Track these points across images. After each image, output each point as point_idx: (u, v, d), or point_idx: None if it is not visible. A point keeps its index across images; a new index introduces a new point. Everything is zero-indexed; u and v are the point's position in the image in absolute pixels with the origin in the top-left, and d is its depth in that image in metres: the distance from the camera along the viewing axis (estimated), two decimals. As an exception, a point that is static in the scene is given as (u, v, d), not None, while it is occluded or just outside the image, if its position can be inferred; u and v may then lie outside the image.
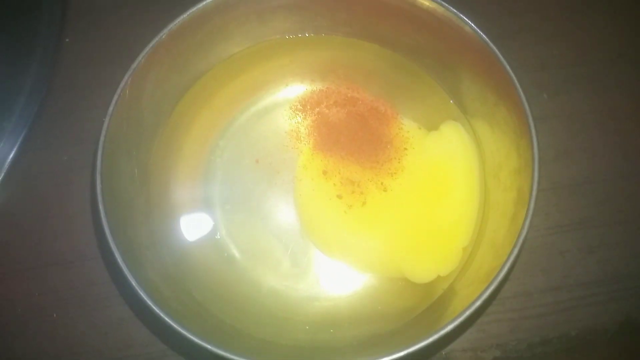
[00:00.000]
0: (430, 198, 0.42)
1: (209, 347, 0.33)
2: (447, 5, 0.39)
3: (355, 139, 0.44)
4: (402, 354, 0.32)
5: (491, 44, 0.37)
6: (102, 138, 0.37)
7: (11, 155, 0.47)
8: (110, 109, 0.37)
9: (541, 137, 0.45)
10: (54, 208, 0.45)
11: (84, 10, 0.51)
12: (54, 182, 0.46)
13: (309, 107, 0.45)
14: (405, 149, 0.43)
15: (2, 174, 0.47)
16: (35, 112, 0.48)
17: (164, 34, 0.39)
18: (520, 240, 0.33)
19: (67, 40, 0.51)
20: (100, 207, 0.35)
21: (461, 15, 0.39)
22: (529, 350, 0.41)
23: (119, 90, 0.38)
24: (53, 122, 0.48)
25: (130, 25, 0.50)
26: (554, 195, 0.45)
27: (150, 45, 0.39)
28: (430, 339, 0.32)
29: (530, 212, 0.34)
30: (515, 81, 0.37)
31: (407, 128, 0.44)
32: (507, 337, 0.42)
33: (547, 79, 0.49)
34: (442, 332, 0.32)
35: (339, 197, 0.41)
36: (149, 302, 0.34)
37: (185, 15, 0.40)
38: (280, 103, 0.45)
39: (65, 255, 0.44)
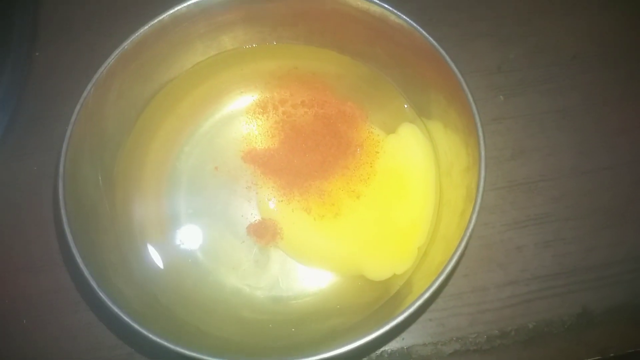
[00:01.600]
0: (389, 200, 0.43)
1: (172, 347, 0.34)
2: (398, 12, 0.41)
3: (323, 143, 0.45)
4: (358, 343, 0.33)
5: (438, 47, 0.39)
6: (64, 146, 0.38)
7: (-18, 163, 0.48)
8: (73, 117, 0.39)
9: (497, 137, 0.47)
10: (23, 215, 0.46)
11: (54, 23, 0.53)
12: (23, 191, 0.47)
13: (271, 109, 0.46)
14: (377, 152, 0.44)
15: (-27, 183, 0.47)
16: (6, 123, 0.49)
17: (126, 44, 0.41)
18: (467, 234, 0.35)
19: (37, 53, 0.52)
20: (63, 212, 0.36)
21: (411, 22, 0.40)
22: (488, 342, 0.43)
23: (81, 100, 0.39)
24: (23, 133, 0.49)
25: (99, 37, 0.51)
26: (509, 193, 0.46)
27: (113, 55, 0.40)
28: (383, 329, 0.33)
29: (477, 206, 0.35)
30: (463, 82, 0.38)
31: (370, 131, 0.45)
32: (467, 330, 0.43)
33: (503, 82, 0.50)
34: (394, 322, 0.33)
35: (306, 210, 0.42)
36: (113, 307, 0.34)
37: (146, 27, 0.41)
38: (245, 109, 0.46)
39: (35, 262, 0.45)
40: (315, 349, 0.34)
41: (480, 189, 0.35)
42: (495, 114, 0.49)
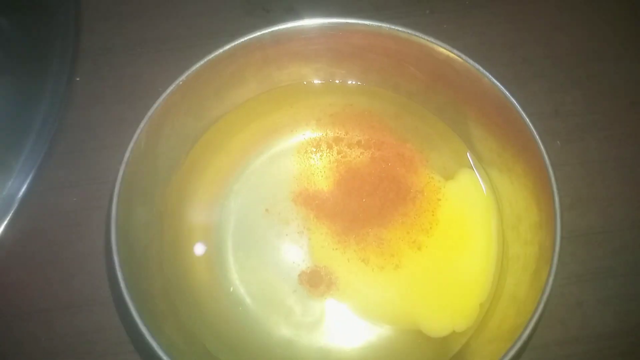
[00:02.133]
0: (450, 251, 0.41)
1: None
2: (463, 55, 0.39)
3: (382, 188, 0.43)
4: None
5: (508, 95, 0.38)
6: (117, 185, 0.36)
7: (20, 194, 0.46)
8: (126, 155, 0.37)
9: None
10: (63, 250, 0.44)
11: (95, 49, 0.51)
12: (63, 223, 0.45)
13: (325, 148, 0.44)
14: (439, 199, 0.42)
15: (11, 213, 0.46)
16: (45, 151, 0.48)
17: (181, 80, 0.39)
18: (544, 298, 0.33)
19: (77, 79, 0.50)
20: (115, 257, 0.34)
21: (478, 67, 0.39)
22: (549, 404, 0.41)
23: (135, 137, 0.37)
24: (63, 162, 0.47)
25: (141, 65, 0.50)
26: (569, 245, 0.45)
27: (168, 91, 0.39)
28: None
29: (554, 269, 0.33)
30: (534, 132, 0.37)
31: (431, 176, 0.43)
32: (526, 390, 0.41)
33: (560, 126, 0.49)
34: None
35: (364, 261, 0.40)
36: (164, 356, 0.33)
37: (203, 62, 0.39)
38: (297, 147, 0.44)
39: (74, 299, 0.43)
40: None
41: (557, 250, 0.34)
42: (552, 161, 0.46)
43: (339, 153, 0.44)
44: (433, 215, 0.42)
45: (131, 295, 0.34)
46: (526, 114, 0.46)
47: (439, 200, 0.42)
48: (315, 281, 0.40)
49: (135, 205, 0.38)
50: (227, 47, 0.40)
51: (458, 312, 0.39)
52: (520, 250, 0.39)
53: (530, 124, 0.37)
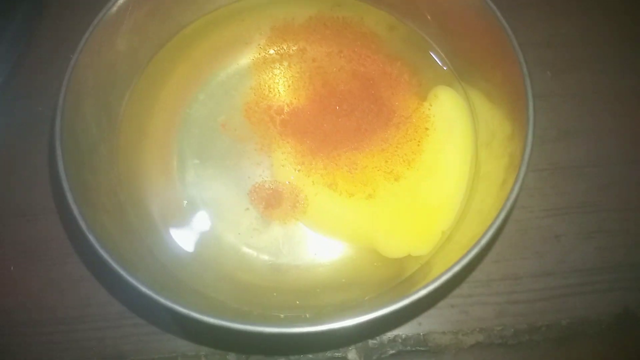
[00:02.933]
0: (424, 180, 0.38)
1: (164, 301, 0.30)
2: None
3: (361, 109, 0.40)
4: (365, 318, 0.28)
5: (493, 6, 0.35)
6: (67, 75, 0.34)
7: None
8: (80, 45, 0.35)
9: (542, 116, 0.43)
10: (20, 157, 0.43)
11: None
12: (23, 131, 0.44)
13: (301, 57, 0.41)
14: (426, 129, 0.39)
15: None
16: (14, 60, 0.46)
17: (142, -26, 0.37)
18: (508, 204, 0.30)
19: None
20: (57, 144, 0.33)
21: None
22: (515, 337, 0.38)
23: (90, 28, 0.35)
24: (31, 72, 0.46)
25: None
26: (552, 177, 0.42)
27: (128, -14, 0.37)
28: (394, 306, 0.29)
29: (522, 174, 0.31)
30: (513, 38, 0.34)
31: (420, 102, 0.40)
32: (492, 321, 0.38)
33: (552, 57, 0.46)
34: (408, 300, 0.29)
35: (331, 186, 0.38)
36: (103, 253, 0.31)
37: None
38: (270, 57, 0.42)
39: (28, 207, 0.42)
40: (320, 321, 0.30)
41: (527, 156, 0.31)
42: (540, 91, 0.44)
43: (314, 62, 0.41)
44: (418, 145, 0.39)
45: (70, 184, 0.32)
46: (518, 42, 0.44)
47: (427, 129, 0.39)
48: (271, 201, 0.38)
49: (87, 99, 0.36)
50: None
51: (418, 237, 0.37)
52: (490, 167, 0.36)
53: (510, 31, 0.34)
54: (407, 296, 0.29)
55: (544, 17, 0.47)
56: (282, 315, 0.35)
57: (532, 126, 0.31)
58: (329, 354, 0.38)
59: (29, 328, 0.39)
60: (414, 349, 0.38)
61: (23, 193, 0.42)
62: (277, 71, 0.41)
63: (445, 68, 0.41)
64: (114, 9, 0.36)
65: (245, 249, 0.37)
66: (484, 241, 0.30)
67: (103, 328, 0.39)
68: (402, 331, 0.38)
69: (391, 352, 0.38)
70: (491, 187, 0.34)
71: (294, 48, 0.42)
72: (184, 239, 0.37)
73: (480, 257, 0.34)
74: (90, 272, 0.40)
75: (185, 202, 0.38)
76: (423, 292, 0.29)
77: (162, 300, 0.29)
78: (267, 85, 0.41)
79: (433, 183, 0.38)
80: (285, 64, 0.41)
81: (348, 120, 0.40)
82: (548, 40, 0.46)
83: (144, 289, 0.30)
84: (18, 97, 0.45)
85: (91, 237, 0.31)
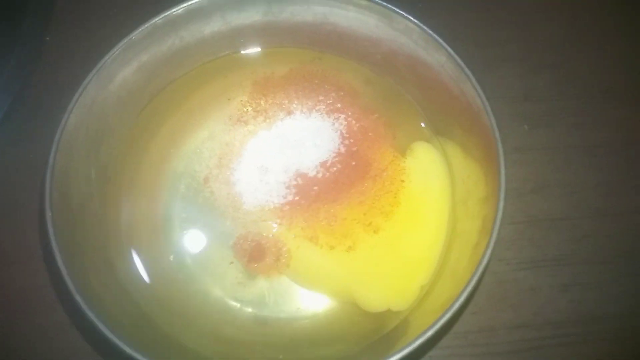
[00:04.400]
0: (402, 233, 0.39)
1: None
2: (424, 27, 0.38)
3: (337, 162, 0.41)
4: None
5: (464, 66, 0.36)
6: (58, 133, 0.36)
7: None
8: (71, 105, 0.36)
9: (519, 169, 0.45)
10: (10, 204, 0.44)
11: (68, 9, 0.51)
12: (14, 179, 0.45)
13: (278, 115, 0.43)
14: (402, 180, 0.40)
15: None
16: (7, 107, 0.47)
17: (134, 35, 0.38)
18: (480, 269, 0.32)
19: (47, 38, 0.50)
20: (47, 203, 0.34)
21: (437, 38, 0.38)
22: (491, 389, 0.39)
23: (81, 88, 0.37)
24: (24, 119, 0.47)
25: (116, 27, 0.49)
26: (528, 229, 0.43)
27: (119, 45, 0.38)
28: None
29: (492, 240, 0.32)
30: (487, 105, 0.35)
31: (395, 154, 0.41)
32: (469, 374, 0.39)
33: (529, 111, 0.47)
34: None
35: (312, 239, 0.39)
36: (88, 312, 0.32)
37: (157, 19, 0.39)
38: (251, 112, 0.43)
39: (15, 255, 0.42)
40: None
41: (498, 222, 0.32)
42: (518, 144, 0.46)
43: (291, 116, 0.43)
44: (395, 197, 0.40)
45: (58, 241, 0.33)
46: (494, 97, 0.45)
47: (403, 181, 0.41)
48: (254, 254, 0.39)
49: (77, 156, 0.37)
50: (183, 5, 0.39)
51: (397, 292, 0.38)
52: (466, 226, 0.37)
53: (482, 95, 0.36)
54: (392, 355, 0.30)
55: (521, 71, 0.48)
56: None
57: (503, 194, 0.33)
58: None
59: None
60: (392, 400, 0.39)
61: (10, 240, 0.43)
62: (252, 127, 0.42)
63: (422, 124, 0.42)
64: (104, 68, 0.38)
65: (230, 302, 0.38)
66: (456, 305, 0.31)
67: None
68: (382, 382, 0.39)
69: (370, 403, 0.39)
70: (465, 247, 0.36)
71: (271, 102, 0.43)
72: (171, 293, 0.38)
73: (456, 317, 0.35)
74: (75, 322, 0.40)
75: (172, 256, 0.39)
76: (400, 355, 0.30)
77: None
78: (244, 141, 0.42)
79: (412, 236, 0.39)
80: (261, 119, 0.42)
81: (325, 173, 0.41)
82: (525, 94, 0.48)
83: (128, 350, 0.31)
84: (9, 143, 0.46)
85: (78, 298, 0.32)
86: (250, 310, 0.38)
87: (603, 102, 0.48)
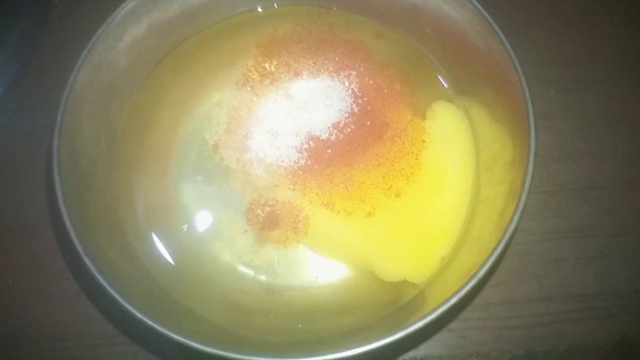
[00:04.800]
0: (424, 200, 0.37)
1: (155, 326, 0.30)
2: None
3: (351, 123, 0.39)
4: (367, 348, 0.28)
5: (493, 23, 0.34)
6: (65, 92, 0.34)
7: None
8: (79, 63, 0.35)
9: (545, 136, 0.43)
10: (21, 171, 0.43)
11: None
12: (23, 144, 0.44)
13: (291, 74, 0.41)
14: (424, 141, 0.38)
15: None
16: (15, 71, 0.46)
17: (141, -7, 0.37)
18: (507, 235, 0.30)
19: (57, 0, 0.48)
20: (55, 164, 0.32)
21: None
22: (512, 363, 0.38)
23: (89, 45, 0.35)
24: (33, 84, 0.46)
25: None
26: (553, 199, 0.41)
27: (127, 3, 0.36)
28: (398, 335, 0.28)
29: (522, 204, 0.30)
30: (517, 63, 0.33)
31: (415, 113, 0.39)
32: (490, 346, 0.38)
33: (556, 76, 0.45)
34: (411, 329, 0.28)
35: (328, 205, 0.37)
36: (98, 277, 0.30)
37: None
38: (260, 74, 0.41)
39: (26, 221, 0.41)
40: (316, 351, 0.29)
41: (527, 185, 0.31)
42: (544, 110, 0.44)
43: (299, 77, 0.41)
44: (416, 159, 0.38)
45: (67, 204, 0.31)
46: (520, 60, 0.43)
47: (424, 142, 0.39)
48: (268, 222, 0.38)
49: (86, 117, 0.36)
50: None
51: (416, 263, 0.36)
52: (491, 191, 0.36)
53: (513, 53, 0.34)
54: (404, 328, 0.29)
55: (548, 35, 0.46)
56: (279, 339, 0.35)
57: (533, 157, 0.31)
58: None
59: (27, 344, 0.39)
60: (410, 372, 0.38)
61: (21, 206, 0.42)
62: (259, 91, 0.41)
63: (444, 82, 0.40)
64: (113, 25, 0.36)
65: (244, 270, 0.37)
66: (481, 273, 0.29)
67: (100, 345, 0.38)
68: (398, 354, 0.38)
69: (387, 375, 0.38)
70: (491, 213, 0.34)
71: (276, 63, 0.41)
72: (181, 259, 0.37)
73: (478, 287, 0.34)
74: (87, 289, 0.39)
75: (185, 226, 0.38)
76: (419, 325, 0.29)
77: (156, 326, 0.29)
78: (252, 106, 0.40)
79: (434, 201, 0.38)
80: (267, 82, 0.41)
81: (339, 135, 0.39)
82: (553, 59, 0.46)
83: (138, 315, 0.29)
84: (19, 108, 0.45)
85: (87, 261, 0.30)
86: (263, 278, 0.37)
87: (633, 68, 0.46)
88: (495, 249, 0.30)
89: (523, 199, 0.30)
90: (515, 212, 0.30)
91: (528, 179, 0.31)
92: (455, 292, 0.29)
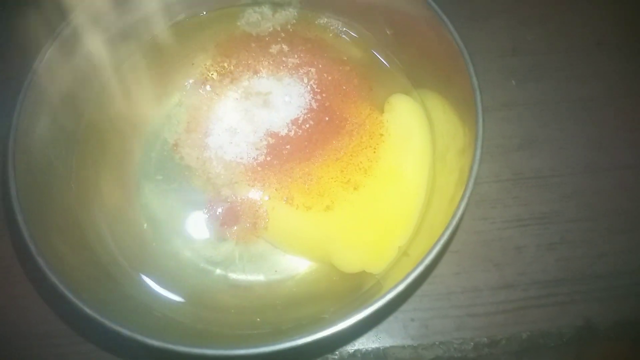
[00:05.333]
0: (382, 192, 0.38)
1: (107, 324, 0.30)
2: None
3: (309, 119, 0.40)
4: (322, 334, 0.28)
5: (441, 13, 0.35)
6: (22, 95, 0.35)
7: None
8: (35, 65, 0.35)
9: (506, 125, 0.43)
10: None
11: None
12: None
13: (246, 72, 0.41)
14: (382, 134, 0.39)
15: None
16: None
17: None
18: (455, 221, 0.30)
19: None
20: (10, 162, 0.33)
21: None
22: (475, 350, 0.38)
23: (45, 48, 0.36)
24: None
25: None
26: (514, 187, 0.42)
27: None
28: (349, 320, 0.29)
29: (468, 191, 0.30)
30: (465, 51, 0.33)
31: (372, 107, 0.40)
32: (452, 334, 0.38)
33: (517, 65, 0.46)
34: (362, 314, 0.29)
35: (287, 201, 0.38)
36: (48, 272, 0.31)
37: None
38: (217, 70, 0.42)
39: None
40: (279, 339, 0.29)
41: (474, 170, 0.31)
42: (505, 99, 0.44)
43: (257, 75, 0.41)
44: (374, 152, 0.39)
45: (22, 207, 0.32)
46: (480, 50, 0.43)
47: (382, 135, 0.39)
48: (228, 218, 0.38)
49: (43, 119, 0.36)
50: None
51: (374, 254, 0.36)
52: (444, 180, 0.36)
53: (461, 43, 0.34)
54: (358, 311, 0.29)
55: (509, 25, 0.46)
56: (241, 333, 0.35)
57: (480, 142, 0.31)
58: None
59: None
60: (374, 363, 0.38)
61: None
62: (218, 90, 0.41)
63: (400, 76, 0.40)
64: (69, 28, 0.36)
65: (203, 266, 0.37)
66: (429, 259, 0.30)
67: (64, 345, 0.39)
68: (362, 345, 0.38)
69: (351, 366, 0.38)
70: (442, 201, 0.34)
71: (235, 62, 0.41)
72: (140, 256, 0.37)
73: (429, 272, 0.34)
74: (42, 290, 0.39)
75: (146, 224, 0.38)
76: (372, 308, 0.29)
77: (110, 324, 0.29)
78: (211, 105, 0.40)
79: (392, 192, 0.38)
80: (227, 81, 0.41)
81: (298, 131, 0.39)
82: (513, 48, 0.46)
83: (90, 312, 0.30)
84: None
85: (40, 260, 0.31)
86: (223, 273, 0.37)
87: (594, 55, 0.46)
88: (442, 235, 0.30)
89: (470, 185, 0.31)
90: (462, 198, 0.30)
91: (475, 166, 0.31)
92: (404, 278, 0.29)
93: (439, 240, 0.30)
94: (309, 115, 0.40)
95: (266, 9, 0.43)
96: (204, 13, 0.43)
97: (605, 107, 0.44)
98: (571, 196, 0.41)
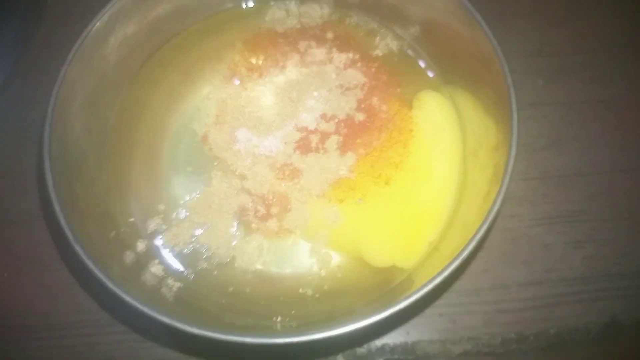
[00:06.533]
0: (412, 187, 0.38)
1: (151, 313, 0.30)
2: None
3: (344, 117, 0.40)
4: (350, 328, 0.29)
5: (475, 12, 0.35)
6: (56, 87, 0.35)
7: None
8: (69, 57, 0.35)
9: (532, 124, 0.43)
10: (12, 164, 0.43)
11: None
12: (17, 138, 0.44)
13: (283, 66, 0.42)
14: (411, 130, 0.39)
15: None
16: (10, 68, 0.47)
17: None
18: (490, 217, 0.30)
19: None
20: (46, 156, 0.33)
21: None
22: (503, 346, 0.38)
23: (79, 40, 0.36)
24: (27, 79, 0.46)
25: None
26: (542, 185, 0.42)
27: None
28: (379, 315, 0.29)
29: (504, 187, 0.31)
30: (498, 50, 0.34)
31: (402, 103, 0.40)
32: (480, 330, 0.39)
33: (544, 65, 0.46)
34: (393, 309, 0.29)
35: (318, 194, 0.38)
36: (94, 269, 0.31)
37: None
38: (253, 66, 0.42)
39: (18, 214, 0.42)
40: (308, 331, 0.30)
41: (510, 167, 0.31)
42: (532, 99, 0.45)
43: (287, 70, 0.41)
44: (404, 147, 0.39)
45: (58, 194, 0.32)
46: (508, 50, 0.43)
47: (412, 131, 0.39)
48: (259, 212, 0.38)
49: (76, 110, 0.36)
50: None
51: (405, 249, 0.37)
52: (477, 177, 0.36)
53: (495, 41, 0.34)
54: (391, 306, 0.30)
55: (536, 26, 0.47)
56: (271, 324, 0.35)
57: (515, 139, 0.32)
58: (317, 361, 0.39)
59: (23, 333, 0.40)
60: (401, 357, 0.38)
61: (13, 199, 0.42)
62: (248, 84, 0.41)
63: (429, 72, 0.41)
64: (103, 21, 0.37)
65: (233, 256, 0.37)
66: (465, 254, 0.30)
67: (94, 334, 0.39)
68: (390, 339, 0.39)
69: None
70: (476, 198, 0.35)
71: (263, 58, 0.42)
72: (171, 247, 0.37)
73: (462, 268, 0.34)
74: (80, 279, 0.40)
75: (175, 214, 0.38)
76: (405, 303, 0.30)
77: (146, 310, 0.30)
78: (240, 98, 0.41)
79: (422, 188, 0.38)
80: (255, 75, 0.41)
81: (327, 126, 0.40)
82: (540, 49, 0.46)
83: (127, 298, 0.30)
84: (13, 103, 0.46)
85: (78, 249, 0.31)
86: (252, 265, 0.37)
87: (620, 57, 0.46)
88: (478, 231, 0.30)
89: (506, 181, 0.31)
90: (498, 194, 0.31)
91: (511, 162, 0.31)
92: (439, 273, 0.30)
93: (475, 235, 0.30)
94: (337, 111, 0.40)
95: (293, 5, 0.43)
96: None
97: (629, 108, 0.44)
98: (596, 195, 0.42)
